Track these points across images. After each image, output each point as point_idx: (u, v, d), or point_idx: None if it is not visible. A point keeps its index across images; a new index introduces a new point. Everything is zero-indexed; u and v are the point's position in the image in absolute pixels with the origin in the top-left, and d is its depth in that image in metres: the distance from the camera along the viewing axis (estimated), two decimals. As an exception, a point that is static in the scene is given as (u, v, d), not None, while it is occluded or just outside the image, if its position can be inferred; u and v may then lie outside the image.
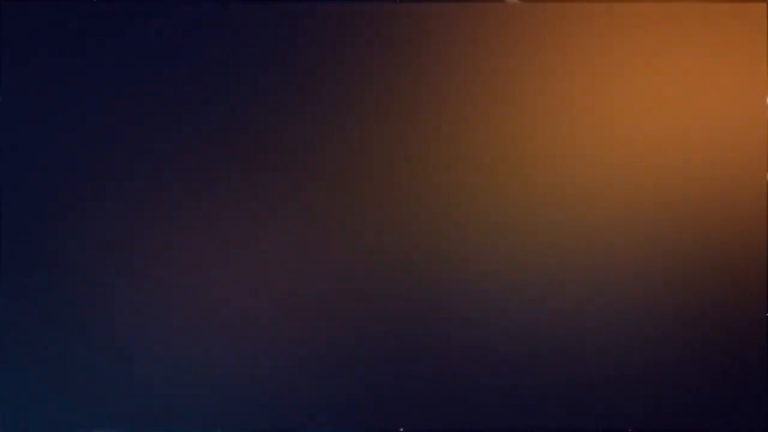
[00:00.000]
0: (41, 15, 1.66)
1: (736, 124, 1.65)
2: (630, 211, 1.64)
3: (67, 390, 1.65)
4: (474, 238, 1.64)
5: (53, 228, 1.65)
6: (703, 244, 1.64)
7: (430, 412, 1.65)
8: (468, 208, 1.65)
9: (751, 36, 1.65)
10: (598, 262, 1.64)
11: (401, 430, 1.66)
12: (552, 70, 1.65)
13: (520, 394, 1.65)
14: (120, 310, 1.65)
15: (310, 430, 1.66)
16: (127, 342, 1.65)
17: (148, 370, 1.65)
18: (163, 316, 1.65)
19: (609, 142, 1.65)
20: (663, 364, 1.64)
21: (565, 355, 1.64)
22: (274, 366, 1.65)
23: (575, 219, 1.64)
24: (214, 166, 1.65)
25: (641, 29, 1.65)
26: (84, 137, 1.66)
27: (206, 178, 1.65)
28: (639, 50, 1.65)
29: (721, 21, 1.65)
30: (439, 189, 1.65)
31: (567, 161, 1.65)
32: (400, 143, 1.65)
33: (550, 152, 1.65)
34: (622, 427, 1.65)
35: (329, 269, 1.65)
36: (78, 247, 1.65)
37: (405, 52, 1.66)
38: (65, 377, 1.65)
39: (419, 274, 1.64)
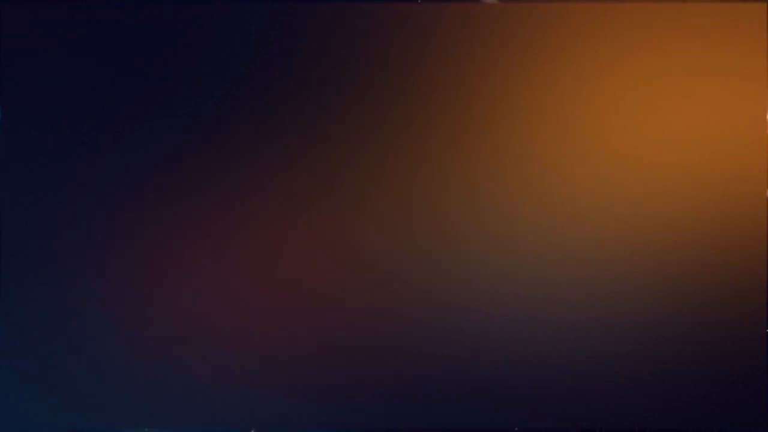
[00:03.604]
0: (39, 18, 1.66)
1: (736, 127, 1.65)
2: (628, 221, 1.64)
3: (66, 391, 1.66)
4: (469, 239, 1.64)
5: (51, 228, 1.65)
6: (704, 256, 1.63)
7: (431, 412, 1.65)
8: (462, 209, 1.65)
9: (751, 36, 1.65)
10: (596, 269, 1.64)
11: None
12: (534, 73, 1.65)
13: (520, 394, 1.65)
14: (119, 310, 1.65)
15: (310, 430, 1.66)
16: (126, 342, 1.65)
17: (146, 369, 1.65)
18: (163, 317, 1.65)
19: (604, 145, 1.65)
20: (663, 367, 1.64)
21: (566, 357, 1.64)
22: (273, 366, 1.65)
23: (568, 228, 1.64)
24: (215, 168, 1.65)
25: (637, 29, 1.65)
26: (83, 137, 1.66)
27: (206, 179, 1.66)
28: (635, 51, 1.65)
29: (721, 21, 1.65)
30: (434, 190, 1.65)
31: (560, 168, 1.65)
32: (393, 144, 1.65)
33: (543, 159, 1.65)
34: (623, 427, 1.65)
35: (329, 270, 1.65)
36: (77, 248, 1.65)
37: (389, 53, 1.66)
38: (64, 378, 1.65)
39: (419, 275, 1.64)
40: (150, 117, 1.66)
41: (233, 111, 1.66)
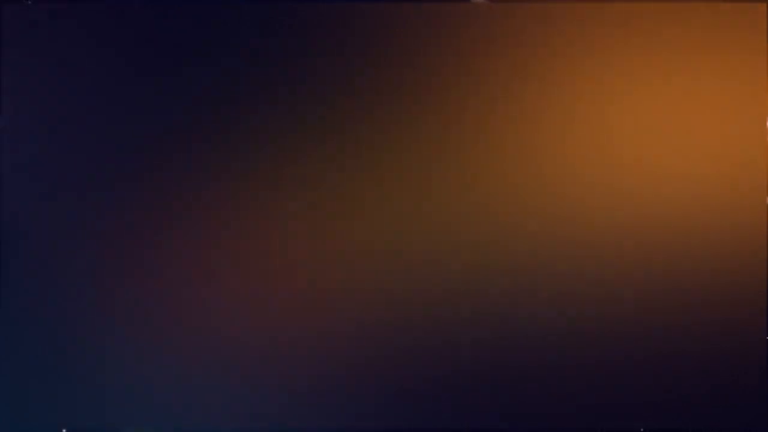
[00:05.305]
0: (38, 19, 1.66)
1: (737, 127, 1.65)
2: (628, 225, 1.64)
3: (66, 391, 1.66)
4: (467, 239, 1.65)
5: (51, 229, 1.65)
6: (705, 261, 1.63)
7: (431, 413, 1.66)
8: (458, 210, 1.65)
9: (751, 36, 1.65)
10: (597, 273, 1.64)
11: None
12: (526, 72, 1.65)
13: (520, 395, 1.65)
14: (120, 311, 1.65)
15: (310, 430, 1.66)
16: (126, 343, 1.65)
17: (147, 370, 1.65)
18: (163, 317, 1.65)
19: (601, 150, 1.65)
20: (663, 368, 1.65)
21: (566, 358, 1.64)
22: (274, 367, 1.65)
23: (568, 231, 1.64)
24: (214, 168, 1.65)
25: (635, 30, 1.65)
26: (82, 138, 1.66)
27: (205, 180, 1.66)
28: (633, 52, 1.65)
29: (721, 21, 1.65)
30: (430, 190, 1.65)
31: (558, 171, 1.65)
32: (389, 144, 1.65)
33: (541, 160, 1.65)
34: (623, 427, 1.65)
35: (329, 271, 1.65)
36: (78, 249, 1.65)
37: (380, 53, 1.66)
38: (64, 378, 1.66)
39: (418, 275, 1.64)
40: (150, 117, 1.66)
41: (229, 112, 1.66)
